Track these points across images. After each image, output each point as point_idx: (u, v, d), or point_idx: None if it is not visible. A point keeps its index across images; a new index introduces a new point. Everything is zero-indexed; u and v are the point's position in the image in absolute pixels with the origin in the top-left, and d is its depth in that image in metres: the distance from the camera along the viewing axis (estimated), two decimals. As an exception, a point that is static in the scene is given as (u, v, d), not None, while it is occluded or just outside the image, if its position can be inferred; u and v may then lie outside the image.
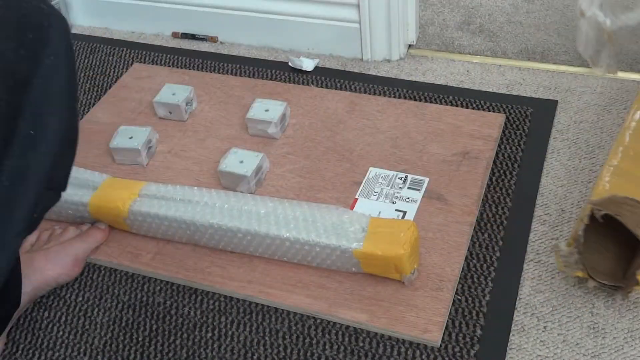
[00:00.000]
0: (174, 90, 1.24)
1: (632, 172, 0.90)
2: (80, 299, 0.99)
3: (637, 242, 0.85)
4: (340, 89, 1.28)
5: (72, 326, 0.96)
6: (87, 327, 0.95)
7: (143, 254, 1.02)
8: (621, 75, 1.25)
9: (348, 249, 0.92)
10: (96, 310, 0.97)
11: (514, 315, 0.91)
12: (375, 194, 1.06)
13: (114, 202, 1.01)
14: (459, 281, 0.94)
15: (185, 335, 0.93)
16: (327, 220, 0.94)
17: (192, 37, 1.48)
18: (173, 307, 0.97)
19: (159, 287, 0.99)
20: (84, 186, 1.05)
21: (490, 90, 1.26)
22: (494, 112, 1.19)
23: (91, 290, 1.00)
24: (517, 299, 0.93)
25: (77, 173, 1.07)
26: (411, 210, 1.03)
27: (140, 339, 0.93)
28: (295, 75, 1.33)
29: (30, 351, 0.93)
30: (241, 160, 1.08)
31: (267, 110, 1.17)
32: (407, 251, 0.89)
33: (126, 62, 1.42)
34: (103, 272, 1.02)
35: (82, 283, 1.01)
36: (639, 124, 0.96)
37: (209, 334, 0.93)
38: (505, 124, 1.16)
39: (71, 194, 1.03)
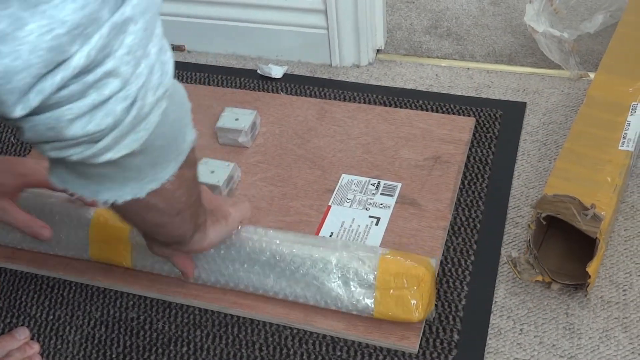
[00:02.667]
0: (142, 101, 1.23)
1: (571, 170, 0.93)
2: (51, 317, 0.97)
3: (590, 238, 0.87)
4: (310, 95, 1.28)
5: (43, 347, 0.93)
6: (60, 346, 0.93)
7: (115, 268, 1.01)
8: (590, 75, 1.27)
9: (359, 313, 0.89)
10: (68, 328, 0.95)
11: (491, 319, 0.91)
12: (348, 200, 1.06)
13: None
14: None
15: (160, 350, 0.92)
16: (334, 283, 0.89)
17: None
18: (147, 322, 0.95)
19: (132, 302, 0.98)
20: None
21: (459, 93, 1.26)
22: (463, 115, 1.19)
23: (62, 307, 0.98)
24: (493, 302, 0.93)
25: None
26: (385, 217, 1.02)
27: (114, 355, 0.92)
28: (264, 82, 1.32)
29: (1, 372, 0.91)
30: (212, 171, 1.07)
31: (237, 119, 1.16)
32: (421, 316, 0.87)
33: (92, 73, 1.40)
34: (74, 288, 1.00)
35: (52, 301, 0.99)
36: (577, 125, 1.01)
37: (184, 348, 0.92)
38: (476, 127, 1.17)
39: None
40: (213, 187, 1.05)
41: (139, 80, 0.52)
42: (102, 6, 0.48)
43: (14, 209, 0.92)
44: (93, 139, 0.52)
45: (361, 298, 0.88)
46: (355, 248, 0.90)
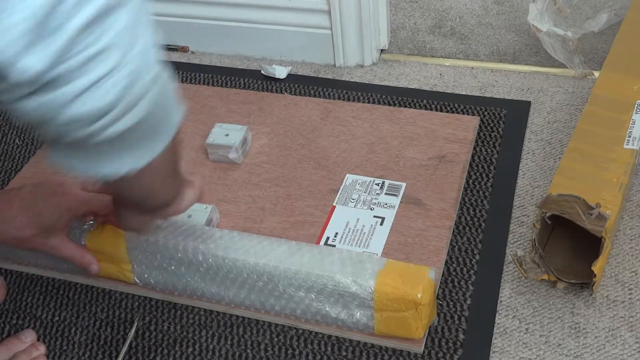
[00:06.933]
0: (146, 102, 1.23)
1: (576, 169, 0.93)
2: (57, 318, 0.97)
3: (595, 237, 0.86)
4: (314, 95, 1.28)
5: (49, 348, 0.93)
6: (65, 347, 0.94)
7: (120, 269, 1.01)
8: (594, 74, 1.26)
9: (361, 330, 0.90)
10: (73, 329, 0.96)
11: (496, 318, 0.91)
12: (352, 200, 1.05)
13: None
14: (440, 286, 0.94)
15: (165, 351, 0.92)
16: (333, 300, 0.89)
17: (162, 47, 1.47)
18: (152, 323, 0.95)
19: (137, 303, 0.98)
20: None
21: (463, 93, 1.26)
22: (468, 114, 1.19)
23: (68, 309, 0.98)
24: (499, 301, 0.93)
25: None
26: (389, 217, 1.02)
27: (119, 356, 0.92)
28: (268, 83, 1.32)
29: (7, 374, 0.92)
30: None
31: (227, 135, 1.13)
32: (421, 334, 0.87)
33: (96, 75, 1.40)
34: (80, 289, 1.00)
35: (58, 302, 0.99)
36: (582, 124, 1.01)
37: (190, 349, 0.92)
38: (480, 126, 1.17)
39: None
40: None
41: (134, 62, 0.56)
42: None
43: (65, 244, 0.93)
44: (91, 118, 0.56)
45: (361, 319, 0.88)
46: (351, 271, 0.87)
